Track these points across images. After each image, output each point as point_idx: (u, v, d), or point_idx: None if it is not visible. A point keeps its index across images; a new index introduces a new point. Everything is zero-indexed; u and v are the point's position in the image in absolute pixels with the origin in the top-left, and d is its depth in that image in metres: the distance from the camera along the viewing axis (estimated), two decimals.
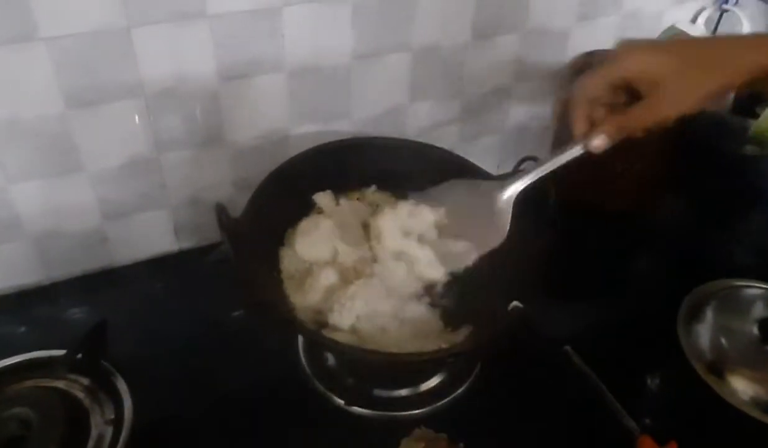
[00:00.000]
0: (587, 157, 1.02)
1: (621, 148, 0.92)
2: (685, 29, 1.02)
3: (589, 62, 0.92)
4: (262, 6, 0.75)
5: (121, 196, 0.82)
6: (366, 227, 0.75)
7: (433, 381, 0.73)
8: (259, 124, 0.84)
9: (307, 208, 0.77)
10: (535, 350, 0.76)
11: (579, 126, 0.61)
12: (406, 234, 0.71)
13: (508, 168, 0.94)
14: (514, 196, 0.66)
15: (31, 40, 0.67)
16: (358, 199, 0.79)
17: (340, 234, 0.72)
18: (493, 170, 1.01)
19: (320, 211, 0.77)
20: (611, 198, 0.98)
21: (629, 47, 0.60)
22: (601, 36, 0.98)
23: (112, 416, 0.65)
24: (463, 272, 0.70)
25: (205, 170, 0.84)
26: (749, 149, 1.01)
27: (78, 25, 0.68)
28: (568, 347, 0.77)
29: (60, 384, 0.67)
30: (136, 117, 0.77)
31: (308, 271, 0.70)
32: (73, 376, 0.68)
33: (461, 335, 0.67)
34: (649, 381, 0.78)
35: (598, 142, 0.61)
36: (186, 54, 0.75)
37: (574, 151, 0.63)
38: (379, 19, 0.82)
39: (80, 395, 0.67)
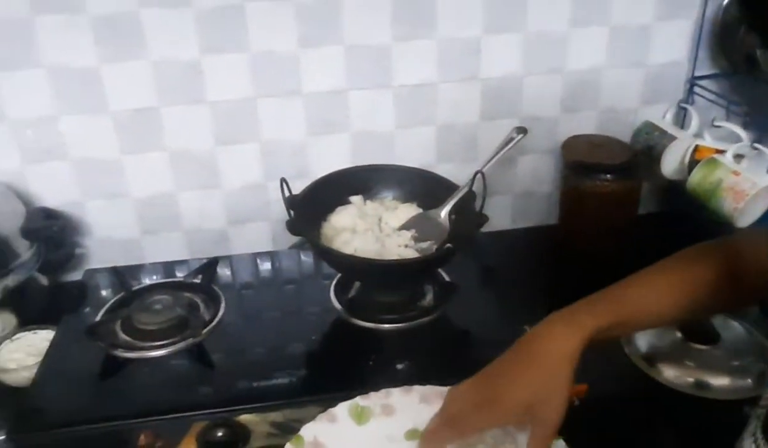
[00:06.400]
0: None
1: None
2: (657, 123, 1.34)
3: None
4: (336, 88, 1.21)
5: (240, 208, 1.29)
6: (380, 220, 1.15)
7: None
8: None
9: (343, 205, 1.17)
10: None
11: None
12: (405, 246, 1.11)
13: (522, 223, 1.39)
14: (448, 211, 1.14)
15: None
16: (379, 203, 1.19)
17: (360, 216, 1.12)
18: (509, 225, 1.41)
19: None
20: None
21: None
22: (584, 124, 1.35)
23: (213, 311, 1.08)
24: None
25: None
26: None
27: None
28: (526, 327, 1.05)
29: (186, 294, 1.12)
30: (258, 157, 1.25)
31: (337, 234, 1.10)
32: (195, 293, 1.13)
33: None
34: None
35: None
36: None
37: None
38: (411, 102, 1.26)
39: (197, 299, 1.11)
